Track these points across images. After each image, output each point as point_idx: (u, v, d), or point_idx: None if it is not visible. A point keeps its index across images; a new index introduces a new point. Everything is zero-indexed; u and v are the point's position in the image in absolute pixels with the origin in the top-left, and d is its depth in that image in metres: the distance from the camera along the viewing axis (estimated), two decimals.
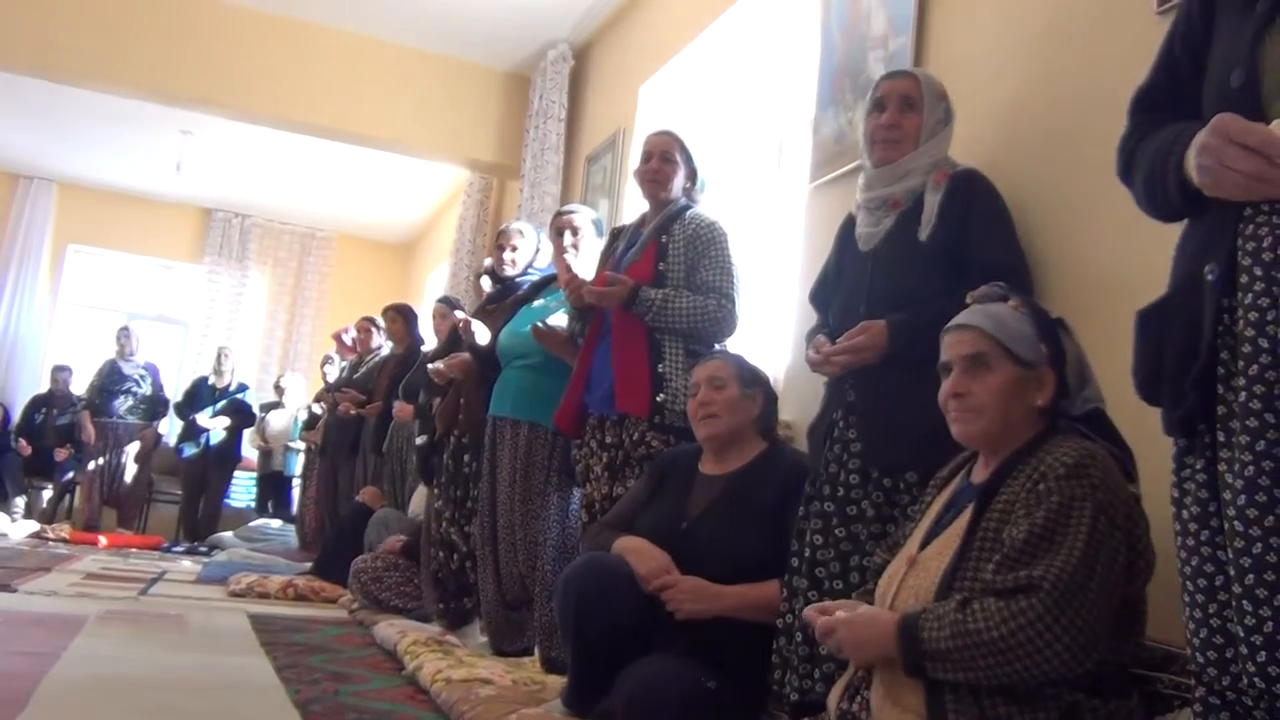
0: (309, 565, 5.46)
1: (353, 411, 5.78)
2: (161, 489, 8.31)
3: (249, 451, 8.25)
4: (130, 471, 7.77)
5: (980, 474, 1.60)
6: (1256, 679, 1.08)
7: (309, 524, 6.40)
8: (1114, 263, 2.01)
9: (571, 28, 5.74)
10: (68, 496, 8.15)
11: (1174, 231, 1.31)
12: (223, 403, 7.88)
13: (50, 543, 6.71)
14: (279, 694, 2.64)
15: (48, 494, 8.14)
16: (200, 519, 7.72)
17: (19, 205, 9.34)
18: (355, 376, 6.15)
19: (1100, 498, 1.39)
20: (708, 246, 2.82)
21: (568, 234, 3.34)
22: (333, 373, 6.86)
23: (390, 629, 3.56)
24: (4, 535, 6.72)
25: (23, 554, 5.74)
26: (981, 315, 1.61)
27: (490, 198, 7.09)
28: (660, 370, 2.72)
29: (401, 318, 5.86)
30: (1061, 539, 1.37)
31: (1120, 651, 1.42)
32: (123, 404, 7.72)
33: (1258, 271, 1.12)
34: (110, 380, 7.74)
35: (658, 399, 2.69)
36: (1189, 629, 1.19)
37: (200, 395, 7.95)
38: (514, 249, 3.75)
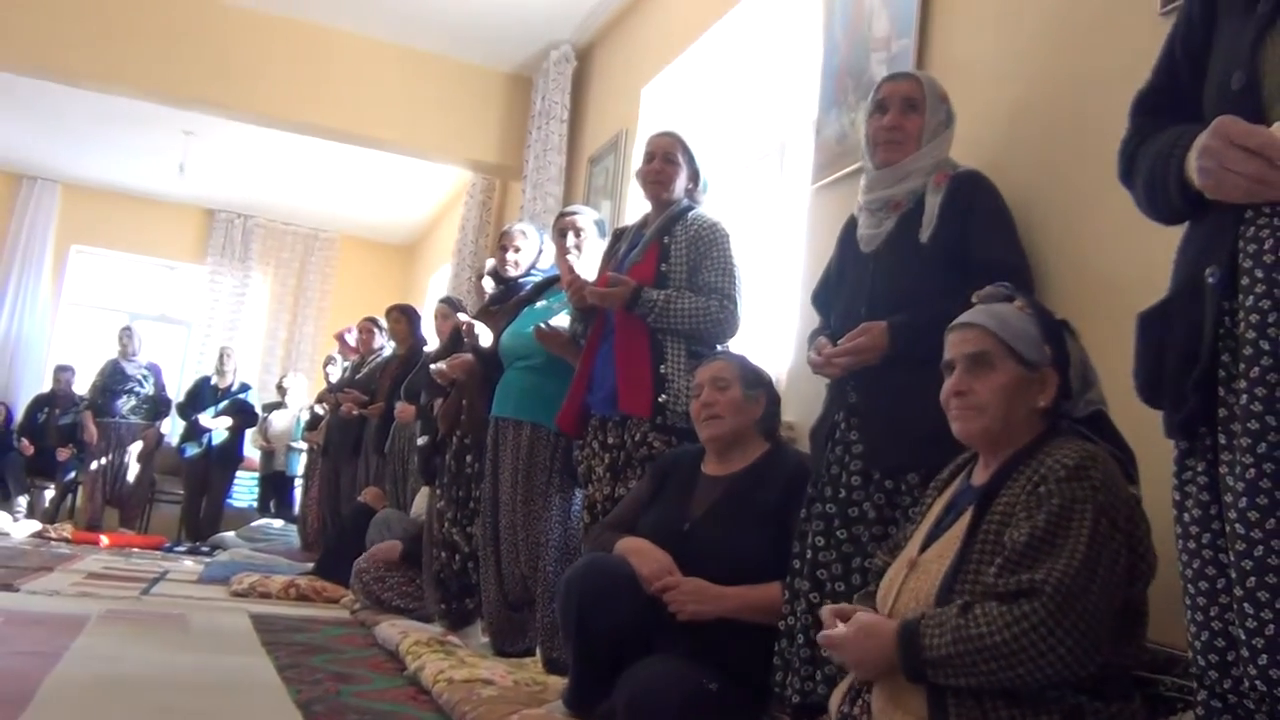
0: (311, 565, 5.46)
1: (355, 412, 5.79)
2: (164, 489, 8.32)
3: (251, 452, 8.26)
4: (133, 471, 7.77)
5: (980, 476, 1.60)
6: (1258, 682, 1.08)
7: (311, 524, 6.40)
8: (1115, 265, 2.01)
9: (574, 29, 5.74)
10: (70, 496, 8.16)
11: (1175, 234, 1.31)
12: (225, 403, 7.89)
13: (52, 542, 6.72)
14: (280, 694, 2.64)
15: (50, 494, 8.15)
16: (202, 519, 7.73)
17: (22, 205, 9.35)
18: (358, 377, 6.16)
19: (1101, 500, 1.39)
20: (710, 247, 2.82)
21: (570, 235, 3.34)
22: (335, 373, 6.87)
23: (392, 629, 3.56)
24: (6, 535, 6.73)
25: (25, 553, 5.75)
26: (986, 314, 1.61)
27: (493, 199, 7.10)
28: (662, 371, 2.72)
29: (405, 318, 5.87)
30: (1063, 542, 1.37)
31: (1122, 654, 1.42)
32: (125, 404, 7.73)
33: (1259, 274, 1.12)
34: (113, 380, 7.75)
35: (659, 400, 2.69)
36: (1190, 632, 1.19)
37: (202, 395, 7.96)
38: (517, 250, 3.75)
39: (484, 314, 3.80)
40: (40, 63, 5.71)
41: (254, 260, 9.99)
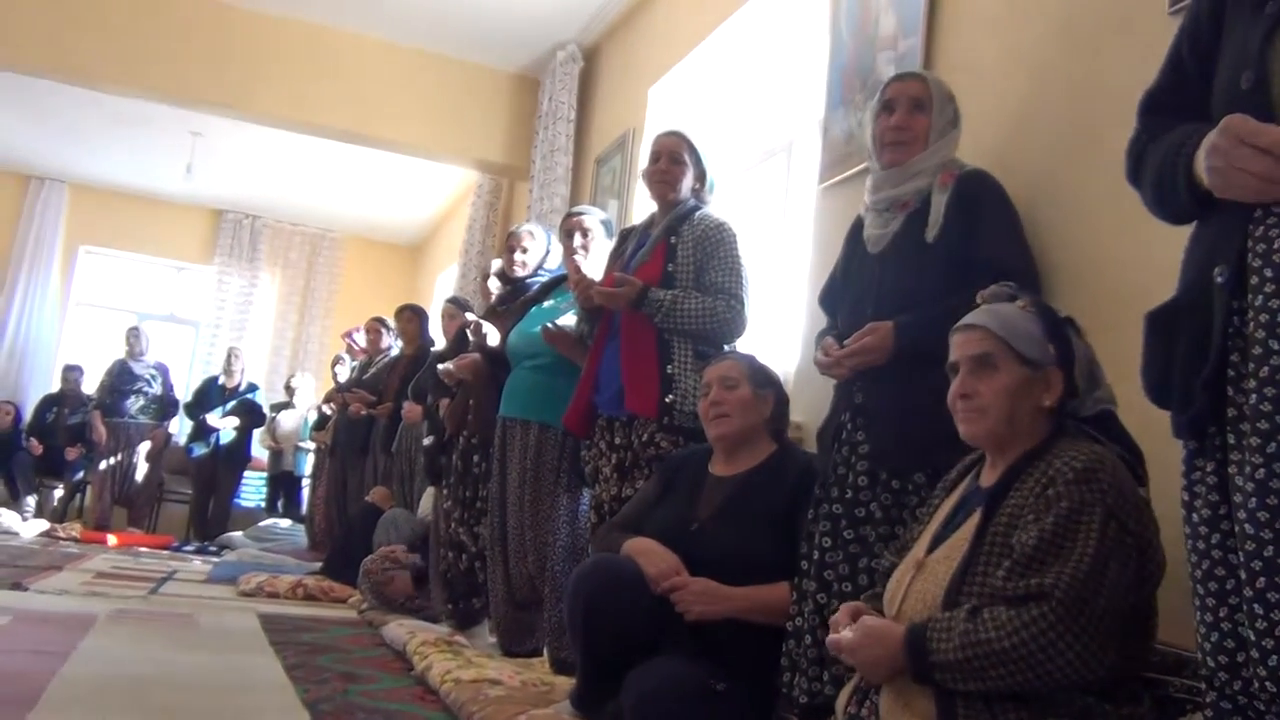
0: (318, 565, 5.48)
1: (363, 412, 5.80)
2: (172, 489, 8.35)
3: (259, 451, 8.28)
4: (141, 471, 7.80)
5: (989, 477, 1.59)
6: (1268, 683, 1.07)
7: (318, 524, 6.41)
8: (1123, 264, 2.00)
9: (580, 29, 5.74)
10: (78, 496, 8.19)
11: (1183, 233, 1.30)
12: (233, 403, 7.92)
13: (61, 541, 6.75)
14: (288, 693, 2.64)
15: (58, 493, 8.18)
16: (210, 519, 7.75)
17: (31, 206, 9.38)
18: (365, 377, 6.17)
19: (1110, 502, 1.38)
20: (716, 247, 2.82)
21: (578, 235, 3.34)
22: (343, 373, 6.88)
23: (399, 629, 3.56)
24: (15, 534, 6.76)
25: (34, 552, 5.77)
26: (989, 315, 1.60)
27: (500, 199, 7.10)
28: (669, 371, 2.72)
29: (417, 318, 5.89)
30: (1071, 545, 1.36)
31: (1131, 656, 1.41)
32: (134, 404, 7.75)
33: (1268, 273, 1.11)
34: (121, 380, 7.77)
35: (666, 400, 2.69)
36: (1200, 633, 1.18)
37: (210, 395, 7.98)
38: (524, 250, 3.75)
39: (491, 314, 3.80)
40: (48, 64, 5.73)
41: (262, 261, 10.01)
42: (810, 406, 2.87)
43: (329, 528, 6.17)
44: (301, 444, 7.95)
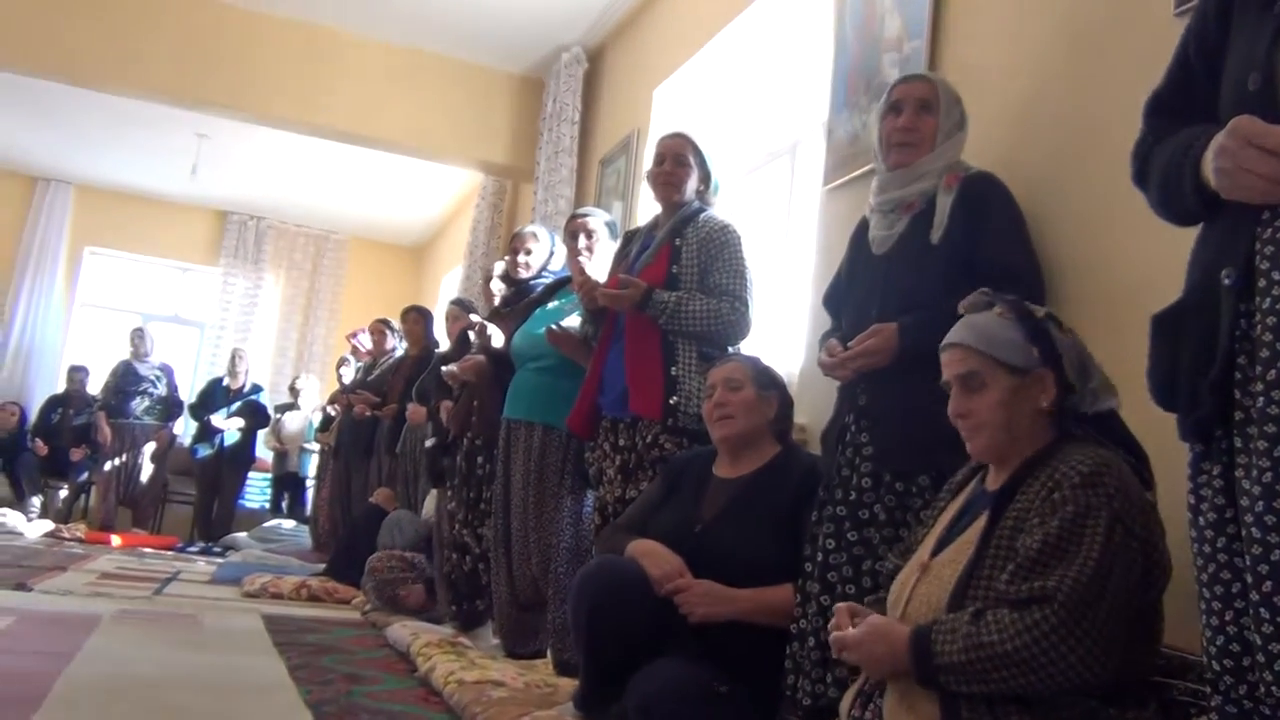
0: (322, 566, 5.48)
1: (367, 413, 5.80)
2: (176, 489, 8.36)
3: (264, 452, 8.29)
4: (146, 472, 7.81)
5: (994, 480, 1.59)
6: (1274, 687, 1.07)
7: (322, 525, 6.42)
8: (1129, 267, 1.99)
9: (585, 30, 5.75)
10: (83, 496, 8.20)
11: (1189, 236, 1.29)
12: (237, 404, 7.92)
13: (65, 542, 6.75)
14: (292, 694, 2.65)
15: (63, 494, 8.19)
16: (214, 519, 7.76)
17: (37, 208, 9.41)
18: (370, 378, 6.18)
19: (1116, 506, 1.38)
20: (721, 249, 2.82)
21: (582, 237, 3.34)
22: (349, 374, 6.89)
23: (403, 630, 3.56)
24: (20, 534, 6.77)
25: (38, 553, 5.78)
26: (967, 330, 1.60)
27: (504, 200, 7.11)
28: (673, 373, 2.72)
29: (423, 320, 5.90)
30: (1076, 549, 1.36)
31: (1137, 659, 1.41)
32: (139, 405, 7.76)
33: (1276, 275, 1.11)
34: (126, 381, 7.79)
35: (671, 401, 2.69)
36: (1205, 636, 1.18)
37: (215, 396, 7.99)
38: (528, 252, 3.75)
39: (495, 316, 3.81)
40: (54, 66, 5.74)
41: (266, 262, 10.02)
42: (814, 408, 2.87)
43: (333, 529, 6.17)
44: (306, 445, 7.96)
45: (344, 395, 6.28)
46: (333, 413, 6.55)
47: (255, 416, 7.98)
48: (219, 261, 9.89)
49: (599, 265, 3.24)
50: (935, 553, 1.58)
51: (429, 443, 4.31)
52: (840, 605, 1.64)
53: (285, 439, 8.05)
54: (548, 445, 3.24)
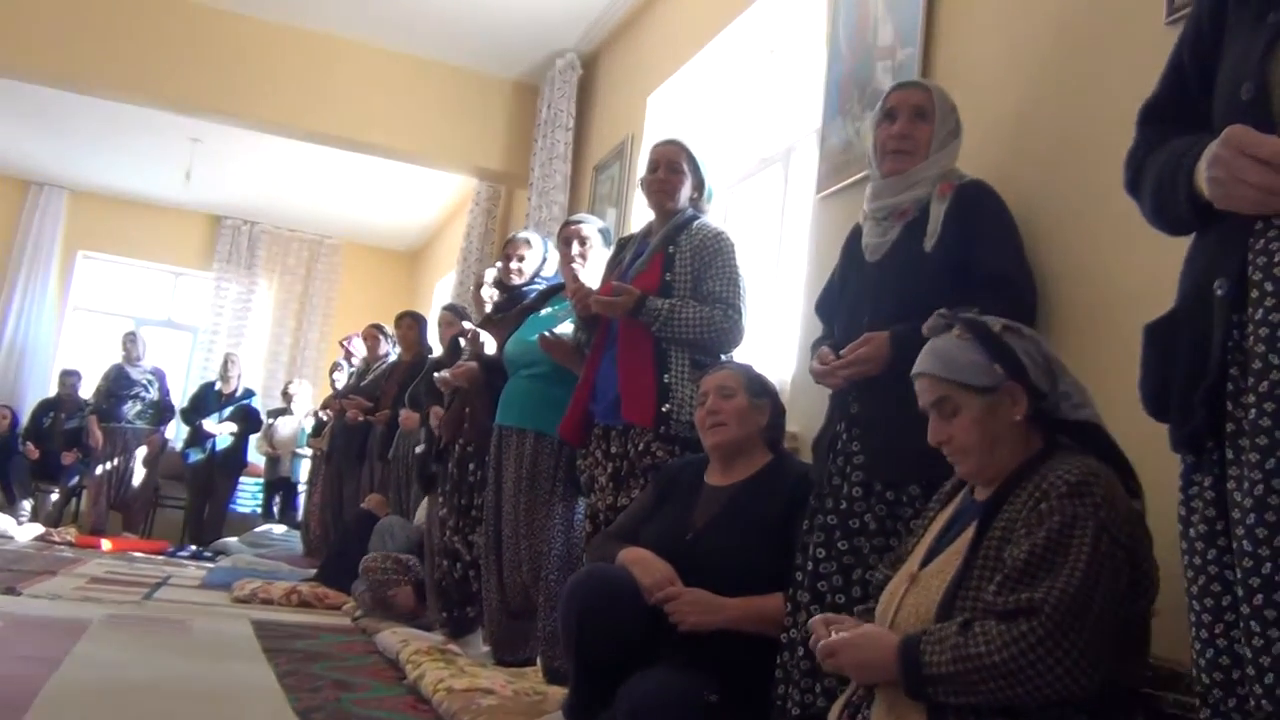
0: (313, 572, 5.46)
1: (360, 418, 5.79)
2: (167, 494, 8.34)
3: (255, 457, 8.27)
4: (137, 476, 7.79)
5: (983, 491, 1.58)
6: (1264, 701, 1.06)
7: (314, 530, 6.40)
8: (1121, 276, 1.99)
9: (579, 37, 5.75)
10: (74, 500, 8.18)
11: (1182, 245, 1.29)
12: (229, 409, 7.91)
13: (56, 546, 6.73)
14: (280, 701, 2.63)
15: (54, 497, 8.16)
16: (205, 524, 7.74)
17: (30, 212, 9.39)
18: (363, 383, 6.17)
19: (1103, 516, 1.37)
20: (714, 257, 2.81)
21: (575, 244, 3.34)
22: (342, 379, 6.88)
23: (393, 637, 3.55)
24: (10, 538, 6.75)
25: (28, 557, 5.76)
26: (931, 359, 1.61)
27: (498, 206, 7.10)
28: (666, 380, 2.71)
29: (416, 325, 5.89)
30: (1063, 560, 1.35)
31: (1125, 671, 1.40)
32: (130, 409, 7.75)
33: (1269, 286, 1.10)
34: (117, 385, 7.77)
35: (663, 409, 2.68)
36: (1195, 649, 1.17)
37: (207, 401, 7.98)
38: (520, 258, 3.75)
39: (488, 322, 3.80)
40: (48, 70, 5.73)
41: (259, 267, 10.01)
42: (806, 416, 2.86)
43: (324, 534, 6.16)
44: (299, 450, 7.94)
45: (337, 400, 6.27)
46: (325, 418, 6.54)
47: (247, 421, 7.97)
48: (212, 266, 9.87)
49: (592, 272, 3.24)
50: (925, 563, 1.58)
51: (419, 449, 4.30)
52: (815, 619, 1.64)
53: (277, 444, 8.04)
54: (539, 452, 3.23)
